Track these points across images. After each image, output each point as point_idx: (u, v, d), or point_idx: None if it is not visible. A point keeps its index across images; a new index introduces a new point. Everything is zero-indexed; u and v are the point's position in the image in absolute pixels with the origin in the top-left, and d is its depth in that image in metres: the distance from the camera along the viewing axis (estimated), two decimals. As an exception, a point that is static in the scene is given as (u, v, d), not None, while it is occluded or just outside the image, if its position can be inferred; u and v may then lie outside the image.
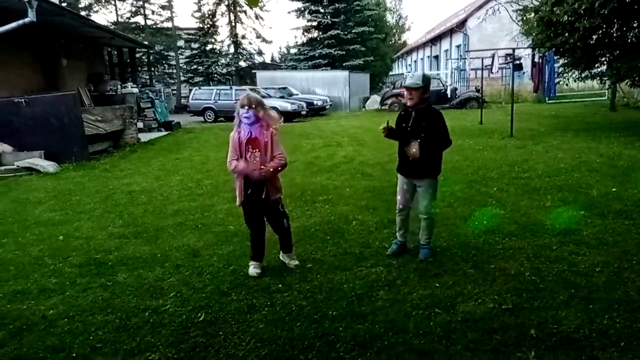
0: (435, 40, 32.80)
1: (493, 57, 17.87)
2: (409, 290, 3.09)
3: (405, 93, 3.55)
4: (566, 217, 4.45)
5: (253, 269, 3.47)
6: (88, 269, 3.63)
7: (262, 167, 3.30)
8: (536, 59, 11.59)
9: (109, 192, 6.52)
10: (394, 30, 48.59)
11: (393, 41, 45.95)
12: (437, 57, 33.24)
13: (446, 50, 30.54)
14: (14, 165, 8.15)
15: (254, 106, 3.27)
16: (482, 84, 15.51)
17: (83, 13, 30.05)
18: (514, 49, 12.24)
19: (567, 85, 14.80)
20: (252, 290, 3.18)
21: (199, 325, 2.74)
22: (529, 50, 13.79)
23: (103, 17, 44.81)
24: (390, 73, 39.46)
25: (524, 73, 21.12)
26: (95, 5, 32.50)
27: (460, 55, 26.61)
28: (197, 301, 3.05)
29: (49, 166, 8.10)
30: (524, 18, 11.85)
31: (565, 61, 11.89)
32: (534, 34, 11.84)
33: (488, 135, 10.77)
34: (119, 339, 2.61)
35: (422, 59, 38.20)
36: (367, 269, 3.46)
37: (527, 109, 16.45)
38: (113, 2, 32.68)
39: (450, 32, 29.05)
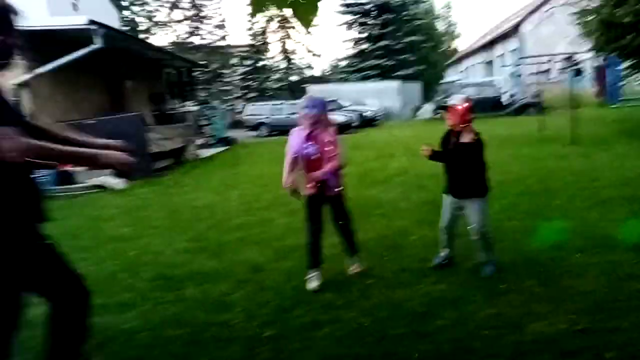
0: (488, 45, 31.94)
1: (550, 61, 17.21)
2: (473, 309, 3.03)
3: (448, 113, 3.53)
4: (639, 231, 4.21)
5: (312, 283, 3.53)
6: (158, 284, 3.83)
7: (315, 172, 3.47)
8: (598, 63, 11.07)
9: (174, 207, 6.84)
10: (445, 38, 47.88)
11: (444, 48, 45.28)
12: (490, 63, 32.35)
13: (500, 56, 29.68)
14: (85, 182, 8.73)
15: (316, 106, 3.46)
16: (540, 89, 14.97)
17: (142, 36, 31.81)
18: (572, 53, 11.74)
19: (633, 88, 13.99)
20: (314, 307, 3.23)
21: (265, 341, 2.82)
22: (590, 54, 13.18)
23: (161, 38, 47.05)
24: (442, 81, 38.89)
25: (584, 77, 20.16)
26: (154, 27, 34.23)
27: (516, 60, 25.79)
28: (262, 317, 3.14)
29: (118, 183, 8.61)
30: (583, 21, 11.36)
31: (630, 64, 11.27)
32: (594, 37, 11.32)
33: (549, 143, 10.35)
34: (191, 353, 2.74)
35: (474, 65, 37.31)
36: (428, 286, 3.42)
37: (590, 115, 15.63)
38: (170, 24, 34.31)
39: (503, 37, 28.23)
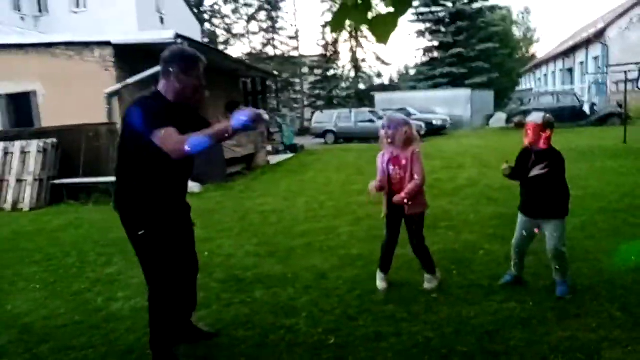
0: (569, 52, 30.22)
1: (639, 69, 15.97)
2: (546, 330, 2.91)
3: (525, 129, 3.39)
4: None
5: (380, 282, 3.71)
6: (229, 285, 4.01)
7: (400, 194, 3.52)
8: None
9: (244, 212, 7.12)
10: (521, 44, 45.90)
11: (520, 55, 43.41)
12: (570, 70, 30.58)
13: (582, 63, 27.97)
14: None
15: (394, 126, 3.52)
16: (625, 98, 13.94)
17: (221, 47, 33.37)
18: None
19: None
20: (378, 318, 3.25)
21: (330, 348, 2.88)
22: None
23: (238, 49, 49.17)
24: (517, 88, 37.26)
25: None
26: (232, 39, 35.79)
27: (599, 68, 24.19)
28: (327, 324, 3.21)
29: (194, 187, 9.09)
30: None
31: None
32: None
33: (634, 156, 9.64)
34: (260, 355, 2.85)
35: (553, 72, 35.41)
36: (498, 304, 3.32)
37: (685, 126, 14.37)
38: (247, 36, 35.71)
39: (586, 43, 26.59)
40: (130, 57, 10.04)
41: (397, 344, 2.88)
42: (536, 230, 3.48)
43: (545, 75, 37.84)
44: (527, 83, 43.54)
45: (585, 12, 68.45)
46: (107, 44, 9.70)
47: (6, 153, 8.89)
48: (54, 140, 9.00)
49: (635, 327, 2.87)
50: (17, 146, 8.87)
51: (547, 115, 3.40)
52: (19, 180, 8.70)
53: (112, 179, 8.62)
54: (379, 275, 3.77)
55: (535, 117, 3.36)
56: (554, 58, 34.71)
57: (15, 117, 10.54)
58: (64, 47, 9.94)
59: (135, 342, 3.08)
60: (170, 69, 2.55)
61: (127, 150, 2.56)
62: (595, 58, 25.55)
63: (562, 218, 3.39)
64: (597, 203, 5.90)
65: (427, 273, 3.72)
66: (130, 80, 9.60)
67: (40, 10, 24.65)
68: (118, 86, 9.63)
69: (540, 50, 49.43)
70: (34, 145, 8.82)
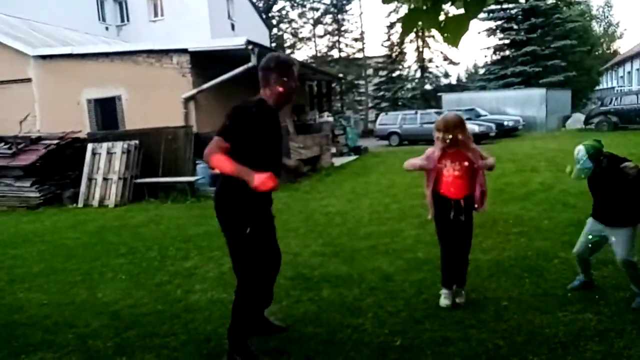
0: (658, 47, 27.88)
1: None
2: (625, 344, 2.77)
3: None
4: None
5: (444, 300, 3.49)
6: (298, 283, 4.16)
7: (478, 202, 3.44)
8: None
9: (309, 212, 7.29)
10: (602, 40, 42.97)
11: (601, 52, 40.66)
12: (659, 67, 28.20)
13: (673, 58, 25.70)
14: (235, 185, 9.71)
15: (451, 129, 3.32)
16: None
17: (288, 51, 34.12)
18: None
19: None
20: (445, 322, 3.24)
21: (396, 350, 2.93)
22: None
23: (304, 52, 49.99)
24: (597, 88, 34.93)
25: None
26: (298, 43, 36.47)
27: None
28: (393, 325, 3.25)
29: (261, 187, 9.42)
30: None
31: None
32: None
33: None
34: (328, 352, 2.95)
35: (638, 69, 32.81)
36: (572, 314, 3.20)
37: None
38: (313, 39, 36.24)
39: (679, 36, 24.40)
40: (204, 63, 10.59)
41: (465, 350, 2.86)
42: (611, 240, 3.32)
43: (629, 72, 35.08)
44: (608, 82, 40.66)
45: (678, 3, 62.55)
46: (184, 51, 10.29)
47: (94, 154, 9.68)
48: (137, 142, 9.68)
49: None
50: (104, 147, 9.63)
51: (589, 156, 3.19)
52: (105, 179, 9.44)
53: (189, 178, 9.28)
54: (444, 293, 3.51)
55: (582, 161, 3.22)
56: (638, 54, 32.14)
57: (102, 120, 11.45)
58: (145, 55, 10.66)
59: (212, 332, 3.29)
60: (270, 76, 2.76)
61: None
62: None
63: (632, 226, 3.25)
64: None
65: (461, 287, 3.56)
66: (205, 86, 10.13)
67: (122, 20, 26.52)
68: (194, 91, 10.19)
69: (623, 46, 46.04)
70: (118, 147, 9.53)
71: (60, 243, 6.28)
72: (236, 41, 9.90)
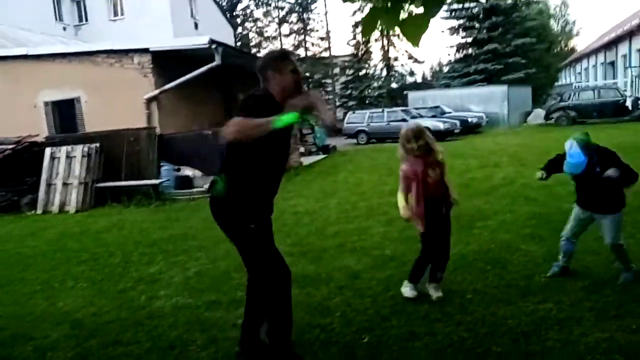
0: (611, 44, 29.04)
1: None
2: (583, 331, 2.86)
3: None
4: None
5: (411, 291, 3.56)
6: (265, 285, 4.11)
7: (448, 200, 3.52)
8: None
9: (278, 212, 7.11)
10: (560, 38, 44.49)
11: (559, 49, 42.09)
12: (612, 64, 29.41)
13: (624, 56, 26.83)
14: (202, 187, 9.56)
15: (421, 137, 3.39)
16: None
17: (253, 50, 33.85)
18: None
19: None
20: (411, 318, 3.27)
21: (363, 347, 2.93)
22: None
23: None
24: (556, 84, 36.14)
25: None
26: (264, 42, 36.26)
27: (644, 60, 23.19)
28: (361, 323, 3.25)
29: (228, 189, 9.30)
30: None
31: None
32: None
33: (683, 153, 9.21)
34: (295, 352, 2.93)
35: (594, 66, 34.13)
36: (534, 304, 3.29)
37: None
38: (279, 38, 36.11)
39: (629, 34, 25.48)
40: (167, 63, 10.38)
41: (431, 344, 2.90)
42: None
43: (586, 69, 36.50)
44: (566, 78, 42.16)
45: (628, 2, 65.58)
46: (146, 50, 10.06)
47: (53, 158, 9.35)
48: (97, 145, 9.40)
49: (679, 329, 2.79)
50: (62, 151, 9.31)
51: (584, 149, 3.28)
52: (65, 184, 9.13)
53: (153, 181, 9.08)
54: (410, 285, 3.60)
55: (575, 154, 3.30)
56: (594, 51, 33.43)
57: (60, 123, 11.07)
58: (105, 55, 10.37)
59: (177, 338, 3.22)
60: (268, 74, 2.68)
61: (235, 147, 2.58)
62: (639, 50, 24.48)
63: (618, 212, 3.46)
64: (637, 201, 5.69)
65: (437, 282, 3.60)
66: (167, 86, 9.93)
67: (80, 20, 25.72)
68: (156, 92, 9.98)
69: (580, 43, 47.86)
70: (78, 150, 9.23)
71: (17, 252, 6.03)
72: (199, 40, 9.76)
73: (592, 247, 4.07)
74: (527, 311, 3.20)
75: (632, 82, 22.61)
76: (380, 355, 2.82)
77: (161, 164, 9.36)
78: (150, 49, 10.00)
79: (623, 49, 26.88)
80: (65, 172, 9.20)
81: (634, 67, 23.22)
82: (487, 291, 3.59)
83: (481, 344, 2.83)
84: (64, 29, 24.61)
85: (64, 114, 10.98)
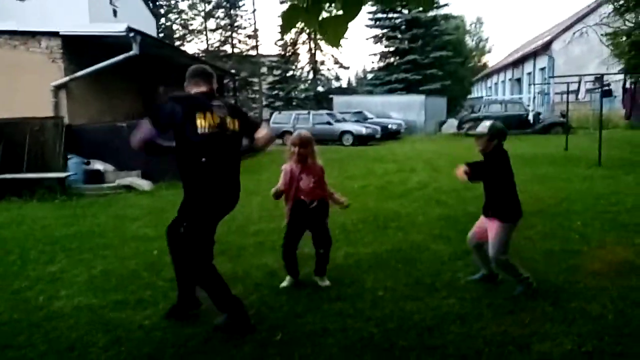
0: (518, 62, 31.68)
1: (580, 81, 16.98)
2: (481, 325, 3.08)
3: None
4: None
5: (285, 283, 3.86)
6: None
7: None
8: (627, 85, 10.92)
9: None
10: (474, 53, 47.62)
11: (472, 64, 45.03)
12: (519, 80, 32.06)
13: (529, 73, 29.38)
14: (114, 183, 9.03)
15: (306, 145, 3.68)
16: (567, 108, 14.76)
17: (177, 43, 32.65)
18: (602, 74, 11.60)
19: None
20: (325, 314, 3.32)
21: (276, 345, 2.93)
22: (620, 75, 12.99)
23: (195, 46, 48.28)
24: (469, 96, 38.62)
25: (615, 97, 19.81)
26: (188, 35, 35.08)
27: (545, 79, 25.50)
28: (274, 320, 3.25)
29: (145, 184, 8.88)
30: (615, 42, 11.25)
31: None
32: (625, 59, 11.20)
33: (573, 163, 10.25)
34: (206, 351, 2.86)
35: (503, 81, 37.00)
36: (439, 300, 3.48)
37: (618, 136, 15.38)
38: (204, 32, 35.11)
39: (534, 54, 27.96)
40: (80, 49, 9.71)
41: (342, 340, 2.96)
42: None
43: (496, 84, 39.47)
44: (478, 91, 45.25)
45: (535, 25, 71.98)
46: (55, 34, 9.33)
47: (-59, 145, 8.38)
48: (-5, 133, 8.56)
49: (563, 322, 3.08)
50: (-47, 138, 8.38)
51: (493, 125, 3.51)
52: (-45, 175, 8.22)
53: (59, 174, 8.43)
54: (287, 278, 3.89)
55: (482, 128, 3.52)
56: (504, 68, 36.27)
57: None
58: (7, 36, 9.48)
59: (77, 340, 3.01)
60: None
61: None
62: (542, 69, 26.88)
63: (503, 222, 3.44)
64: (535, 207, 6.23)
65: (321, 276, 3.89)
66: (79, 73, 9.29)
67: (-18, -4, 23.31)
68: (66, 79, 9.28)
69: (491, 59, 51.52)
70: (-28, 138, 8.35)
71: None
72: (116, 27, 9.25)
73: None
74: (432, 306, 3.38)
75: (534, 97, 24.75)
76: (292, 353, 2.83)
77: (69, 156, 8.72)
78: (61, 33, 9.29)
79: (528, 67, 29.40)
80: (-45, 161, 8.28)
81: (537, 84, 25.45)
82: (397, 288, 3.75)
83: (389, 339, 2.95)
84: (-39, 4, 22.17)
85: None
